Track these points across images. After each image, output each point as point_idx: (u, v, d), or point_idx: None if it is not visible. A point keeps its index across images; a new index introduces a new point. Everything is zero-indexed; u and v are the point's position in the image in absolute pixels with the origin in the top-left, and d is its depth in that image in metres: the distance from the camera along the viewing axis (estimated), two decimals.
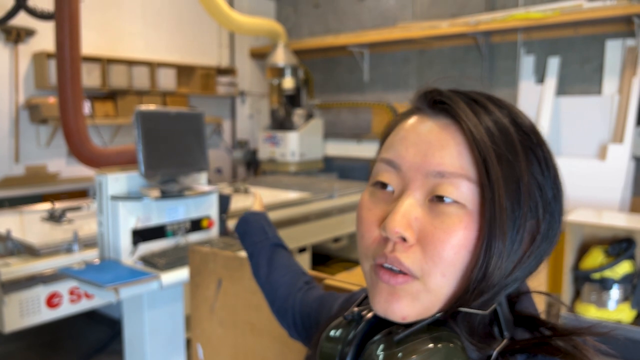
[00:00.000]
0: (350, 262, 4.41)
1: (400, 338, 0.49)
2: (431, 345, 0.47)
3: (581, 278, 3.16)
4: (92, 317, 3.49)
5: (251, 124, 6.87)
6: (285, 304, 0.89)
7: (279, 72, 5.77)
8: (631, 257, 3.03)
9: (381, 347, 0.49)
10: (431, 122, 0.54)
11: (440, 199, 0.50)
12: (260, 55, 6.65)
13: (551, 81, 4.67)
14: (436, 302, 0.51)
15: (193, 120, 2.00)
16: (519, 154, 0.51)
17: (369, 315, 0.56)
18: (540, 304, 0.58)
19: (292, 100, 5.98)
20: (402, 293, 0.51)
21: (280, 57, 5.73)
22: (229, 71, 6.39)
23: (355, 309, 0.58)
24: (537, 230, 0.51)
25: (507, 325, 0.53)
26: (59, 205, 3.24)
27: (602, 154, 4.33)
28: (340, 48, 5.94)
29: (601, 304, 3.06)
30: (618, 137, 4.24)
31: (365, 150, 5.95)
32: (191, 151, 1.98)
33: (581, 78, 4.63)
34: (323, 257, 4.39)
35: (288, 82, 5.72)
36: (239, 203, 3.45)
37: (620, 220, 3.28)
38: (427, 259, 0.50)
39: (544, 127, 4.51)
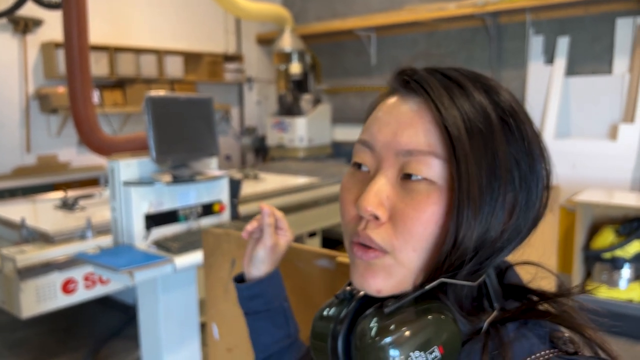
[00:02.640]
0: None
1: (391, 310, 0.50)
2: (423, 316, 0.48)
3: (592, 258, 3.16)
4: (106, 304, 3.54)
5: (259, 110, 6.87)
6: None
7: (286, 58, 5.76)
8: None
9: (372, 320, 0.50)
10: (406, 102, 0.55)
11: (409, 176, 0.52)
12: (266, 41, 6.63)
13: (561, 61, 4.62)
14: (409, 275, 0.52)
15: (202, 105, 2.01)
16: (495, 127, 0.51)
17: (361, 293, 0.57)
18: (526, 276, 0.59)
19: (300, 85, 5.97)
20: (375, 268, 0.52)
21: (287, 42, 5.71)
22: (235, 58, 6.38)
23: (347, 288, 0.59)
24: (515, 201, 0.52)
25: (496, 296, 0.54)
26: (72, 193, 3.28)
27: (612, 133, 4.30)
28: (347, 32, 5.91)
29: (612, 283, 3.07)
30: (629, 116, 4.21)
31: None
32: (201, 136, 1.99)
33: (591, 57, 4.58)
34: (333, 242, 4.42)
35: (295, 68, 5.70)
36: (248, 189, 3.46)
37: (631, 200, 3.27)
38: (398, 235, 0.51)
39: (554, 108, 4.48)
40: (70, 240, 2.45)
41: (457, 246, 0.50)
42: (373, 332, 0.48)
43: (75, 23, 2.96)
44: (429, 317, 0.48)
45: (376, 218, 0.52)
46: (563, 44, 4.67)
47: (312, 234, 3.68)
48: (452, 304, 0.52)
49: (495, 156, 0.51)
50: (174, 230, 1.97)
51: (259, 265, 0.83)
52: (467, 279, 0.51)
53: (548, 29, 4.78)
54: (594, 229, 3.27)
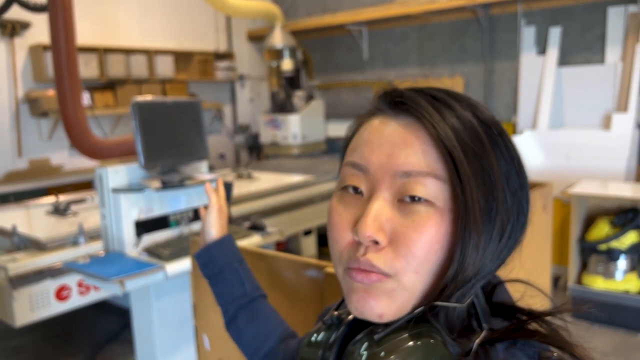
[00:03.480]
0: None
1: (381, 337, 0.49)
2: (412, 342, 0.47)
3: (587, 250, 3.16)
4: (102, 308, 3.53)
5: (252, 108, 6.84)
6: (268, 357, 0.86)
7: (277, 54, 5.72)
8: (637, 227, 3.03)
9: (362, 347, 0.49)
10: (394, 122, 0.53)
11: (408, 198, 0.50)
12: (257, 38, 6.59)
13: (553, 52, 4.61)
14: (411, 299, 0.51)
15: (190, 108, 1.99)
16: (486, 146, 0.51)
17: (349, 317, 0.56)
18: (515, 294, 0.58)
19: (292, 82, 5.93)
20: (377, 291, 0.51)
21: (278, 38, 5.67)
22: (227, 55, 6.34)
23: (335, 313, 0.58)
24: (507, 220, 0.52)
25: (484, 316, 0.53)
26: (63, 198, 3.25)
27: (606, 123, 4.29)
28: (338, 27, 5.88)
29: (608, 274, 3.07)
30: (622, 105, 4.20)
31: None
32: (190, 140, 1.97)
33: (583, 47, 4.57)
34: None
35: (287, 64, 5.67)
36: (242, 188, 3.45)
37: (626, 191, 3.26)
38: (400, 258, 0.50)
39: (547, 99, 4.47)
40: (63, 247, 2.43)
41: (465, 269, 0.49)
42: (364, 359, 0.48)
43: (62, 26, 2.92)
44: (419, 342, 0.48)
45: (376, 243, 0.50)
46: (555, 34, 4.65)
47: (307, 232, 3.66)
48: (442, 326, 0.51)
49: (490, 176, 0.50)
50: (165, 236, 1.95)
51: (210, 231, 0.94)
52: (456, 300, 0.51)
53: (540, 19, 4.77)
54: (589, 221, 3.27)
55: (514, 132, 4.71)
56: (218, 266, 0.92)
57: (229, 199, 2.34)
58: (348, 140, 0.59)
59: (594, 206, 3.27)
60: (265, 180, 3.96)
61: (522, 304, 0.56)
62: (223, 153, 6.48)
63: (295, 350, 0.81)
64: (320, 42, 6.36)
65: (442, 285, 0.50)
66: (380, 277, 0.51)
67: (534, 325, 0.52)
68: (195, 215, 2.08)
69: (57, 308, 2.36)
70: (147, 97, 1.89)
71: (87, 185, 4.82)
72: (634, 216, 3.04)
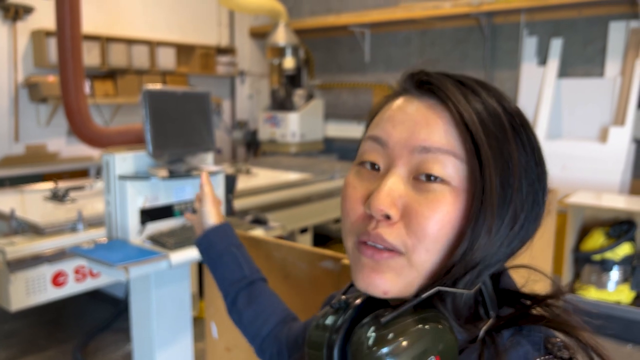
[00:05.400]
0: None
1: (387, 320, 0.49)
2: (419, 326, 0.48)
3: (582, 259, 3.19)
4: (95, 296, 3.51)
5: (251, 104, 6.84)
6: (269, 340, 0.86)
7: (280, 52, 5.73)
8: (631, 239, 3.07)
9: (369, 330, 0.49)
10: (418, 102, 0.54)
11: (423, 175, 0.51)
12: (260, 35, 6.59)
13: (553, 63, 4.65)
14: (418, 278, 0.52)
15: (199, 100, 1.99)
16: (508, 134, 0.52)
17: (357, 301, 0.57)
18: (519, 280, 0.59)
19: (293, 80, 5.94)
20: (385, 268, 0.51)
21: (281, 36, 5.68)
22: (228, 51, 6.34)
23: (343, 297, 0.58)
24: (521, 210, 0.52)
25: (492, 303, 0.54)
26: (62, 184, 3.24)
27: (603, 136, 4.34)
28: (341, 28, 5.89)
29: (601, 285, 3.10)
30: (619, 119, 4.25)
31: None
32: (198, 131, 1.97)
33: (583, 60, 4.61)
34: (324, 238, 4.42)
35: (289, 62, 5.68)
36: (241, 184, 3.45)
37: (621, 202, 3.31)
38: (411, 235, 0.50)
39: (546, 110, 4.51)
40: (61, 233, 2.42)
41: (472, 253, 0.50)
42: (370, 342, 0.48)
43: (68, 11, 2.91)
44: (426, 326, 0.48)
45: (388, 218, 0.51)
46: (556, 45, 4.70)
47: (303, 230, 3.67)
48: (449, 312, 0.51)
49: (509, 163, 0.51)
50: (169, 226, 1.95)
51: (207, 219, 0.96)
52: (464, 287, 0.51)
53: (542, 30, 4.81)
54: (584, 231, 3.30)
55: None
56: (217, 251, 0.93)
57: (232, 191, 2.34)
58: (372, 116, 0.59)
59: (590, 217, 3.31)
60: (263, 176, 3.96)
61: (526, 290, 0.56)
62: (220, 148, 6.47)
63: (299, 333, 0.81)
64: (323, 41, 6.37)
65: (448, 267, 0.51)
66: (391, 254, 0.51)
67: (539, 310, 0.53)
68: None
69: (53, 294, 2.35)
70: (157, 86, 1.89)
71: (83, 173, 4.80)
72: (629, 228, 3.08)
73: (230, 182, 2.26)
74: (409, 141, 0.52)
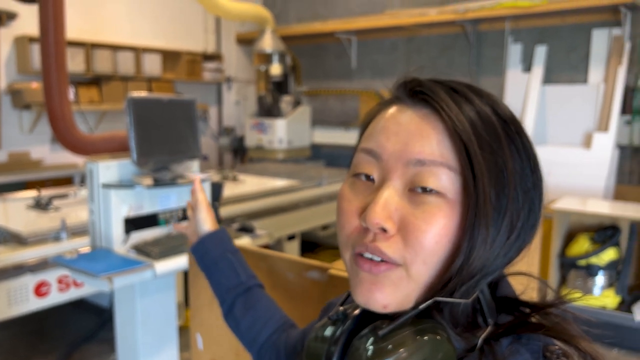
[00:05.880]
0: (338, 250, 4.42)
1: (386, 333, 0.49)
2: (417, 337, 0.48)
3: (567, 265, 3.21)
4: (79, 306, 3.46)
5: (237, 111, 6.81)
6: (266, 346, 0.86)
7: (266, 58, 5.72)
8: (616, 244, 3.09)
9: (367, 342, 0.49)
10: (411, 111, 0.54)
11: (419, 188, 0.51)
12: (246, 41, 6.58)
13: (538, 70, 4.70)
14: (416, 290, 0.51)
15: (185, 107, 1.98)
16: (502, 142, 0.51)
17: (355, 312, 0.57)
18: (518, 286, 0.58)
19: (280, 86, 5.94)
20: (384, 281, 0.51)
21: (268, 43, 5.67)
22: (215, 57, 6.32)
23: (340, 308, 0.58)
24: (517, 218, 0.51)
25: (490, 311, 0.53)
26: (45, 192, 3.19)
27: (587, 142, 4.39)
28: (327, 34, 5.91)
29: (586, 290, 3.12)
30: (603, 125, 4.30)
31: (353, 137, 5.92)
32: (183, 138, 1.96)
33: (567, 67, 4.67)
34: (311, 245, 4.40)
35: (275, 69, 5.67)
36: (227, 191, 3.42)
37: (605, 208, 3.34)
38: (409, 248, 0.50)
39: (531, 116, 4.55)
40: (44, 242, 2.38)
41: (470, 263, 0.49)
42: (368, 354, 0.48)
43: (52, 17, 2.88)
44: (424, 337, 0.48)
45: (384, 230, 0.50)
46: (541, 52, 4.75)
47: (291, 237, 3.65)
48: (447, 322, 0.51)
49: (504, 172, 0.50)
50: (153, 235, 1.93)
51: (202, 226, 0.96)
52: (461, 296, 0.51)
53: (527, 37, 4.86)
54: (569, 237, 3.33)
55: None
56: (212, 258, 0.92)
57: (218, 199, 2.32)
58: (365, 126, 0.59)
59: (575, 222, 3.33)
60: (250, 183, 3.94)
61: (525, 297, 0.56)
62: (206, 155, 6.43)
63: (298, 339, 0.81)
64: (310, 48, 6.38)
65: (446, 278, 0.50)
66: (389, 267, 0.51)
67: (538, 318, 0.52)
68: (185, 214, 2.06)
69: (36, 304, 2.31)
70: (142, 94, 1.87)
71: (67, 180, 4.74)
72: (613, 234, 3.10)
73: (217, 189, 2.24)
74: (403, 154, 0.52)
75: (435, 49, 5.44)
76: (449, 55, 5.34)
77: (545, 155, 4.30)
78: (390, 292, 0.51)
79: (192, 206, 1.00)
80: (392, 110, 0.55)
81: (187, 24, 6.09)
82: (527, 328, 0.51)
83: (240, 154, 6.39)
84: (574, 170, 4.20)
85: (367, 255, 0.51)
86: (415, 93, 0.54)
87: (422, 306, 0.50)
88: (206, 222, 0.96)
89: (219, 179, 3.85)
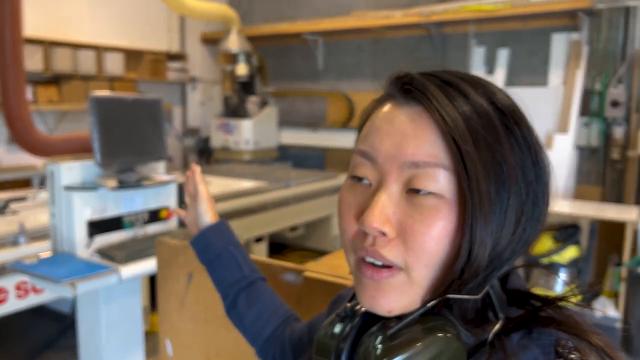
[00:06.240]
0: (307, 251, 4.41)
1: (394, 332, 0.48)
2: (426, 335, 0.47)
3: (531, 262, 3.29)
4: (39, 312, 3.34)
5: (202, 111, 6.72)
6: (271, 340, 0.86)
7: (232, 59, 5.66)
8: (577, 243, 3.18)
9: (376, 341, 0.49)
10: (404, 110, 0.52)
11: (416, 190, 0.50)
12: (211, 41, 6.50)
13: (501, 72, 4.80)
14: (421, 292, 0.51)
15: (150, 107, 1.93)
16: (500, 135, 0.50)
17: (363, 309, 0.56)
18: None
19: (246, 87, 5.89)
20: (387, 287, 0.51)
21: (234, 43, 5.62)
22: (179, 56, 6.22)
23: (348, 304, 0.58)
24: (521, 212, 0.50)
25: (500, 305, 0.53)
26: (2, 195, 3.07)
27: (548, 143, 4.50)
28: (294, 35, 5.89)
29: (549, 287, 3.20)
30: (563, 127, 4.42)
31: (321, 138, 5.94)
32: (149, 139, 1.91)
33: (529, 70, 4.79)
34: (279, 246, 4.38)
35: (241, 69, 5.62)
36: None
37: (566, 207, 3.43)
38: (409, 252, 0.49)
39: None
40: (1, 247, 2.29)
41: (472, 263, 0.49)
42: (377, 353, 0.47)
43: (9, 14, 2.77)
44: (433, 335, 0.47)
45: (383, 234, 0.50)
46: (503, 55, 4.86)
47: (258, 239, 3.62)
48: (456, 318, 0.50)
49: (503, 165, 0.49)
50: (118, 238, 1.87)
51: (203, 218, 0.93)
52: (470, 292, 0.50)
53: (490, 40, 4.96)
54: None
55: None
56: (215, 251, 0.91)
57: (183, 201, 2.27)
58: (362, 124, 0.58)
59: None
60: (216, 184, 3.89)
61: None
62: (171, 156, 6.32)
63: (303, 332, 0.81)
64: (276, 49, 6.35)
65: (450, 279, 0.50)
66: (391, 272, 0.50)
67: (549, 312, 0.51)
68: (151, 217, 2.01)
69: None
70: (106, 93, 1.82)
71: (25, 183, 4.57)
72: (574, 232, 3.19)
73: (183, 191, 2.19)
74: (397, 156, 0.51)
75: (400, 51, 5.50)
76: (414, 57, 5.41)
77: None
78: (394, 298, 0.51)
79: (192, 196, 0.97)
80: (386, 108, 0.54)
81: (150, 22, 5.98)
82: (538, 322, 0.50)
83: (205, 155, 6.30)
84: None
85: (369, 259, 0.51)
86: (407, 90, 0.53)
87: (430, 304, 0.49)
88: (207, 214, 0.94)
89: (184, 180, 3.79)
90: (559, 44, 4.63)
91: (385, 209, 0.50)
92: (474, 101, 0.51)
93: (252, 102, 5.75)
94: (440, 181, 0.49)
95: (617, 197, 4.34)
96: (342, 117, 5.90)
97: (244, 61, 5.63)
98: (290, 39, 6.08)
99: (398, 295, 0.51)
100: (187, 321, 1.13)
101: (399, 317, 0.50)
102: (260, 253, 3.67)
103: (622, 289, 3.04)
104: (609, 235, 3.39)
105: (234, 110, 5.73)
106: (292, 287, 0.95)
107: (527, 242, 0.53)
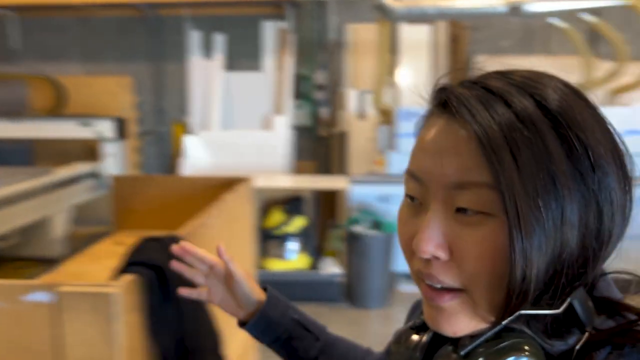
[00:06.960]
0: (23, 261, 3.82)
1: (467, 352, 0.47)
2: (500, 356, 0.46)
3: (265, 236, 3.53)
4: None
5: None
6: None
7: None
8: (302, 213, 3.54)
9: None
10: (443, 126, 0.50)
11: (464, 210, 0.48)
12: None
13: (219, 57, 4.93)
14: (488, 312, 0.49)
15: None
16: (548, 142, 0.45)
17: None
18: None
19: None
20: (449, 311, 0.50)
21: None
22: None
23: (422, 316, 0.57)
24: (587, 216, 0.47)
25: (587, 316, 0.48)
26: None
27: (267, 124, 4.85)
28: None
29: (282, 256, 3.49)
30: (279, 109, 4.81)
31: (24, 129, 5.14)
32: None
33: (246, 55, 5.02)
34: None
35: None
36: None
37: (289, 182, 3.78)
38: (466, 274, 0.48)
39: (216, 102, 4.76)
40: None
41: (526, 278, 0.45)
42: None
43: None
44: (507, 355, 0.45)
45: (436, 258, 0.49)
46: (220, 40, 4.98)
47: None
48: (537, 332, 0.47)
49: (551, 172, 0.45)
50: None
51: (249, 299, 0.82)
52: (549, 305, 0.47)
53: (206, 25, 5.02)
54: (266, 210, 3.65)
55: (186, 132, 4.86)
56: (278, 327, 0.82)
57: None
58: (416, 138, 0.56)
59: (268, 197, 3.67)
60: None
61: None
62: None
63: (380, 353, 0.82)
64: None
65: (510, 295, 0.47)
66: (451, 296, 0.50)
67: None
68: None
69: None
70: None
71: None
72: (299, 203, 3.54)
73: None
74: (441, 177, 0.49)
75: (113, 33, 5.13)
76: (129, 39, 5.12)
77: (232, 138, 4.61)
78: (458, 321, 0.50)
79: (226, 280, 0.83)
80: (430, 123, 0.53)
81: None
82: (631, 337, 0.46)
83: None
84: (260, 150, 4.60)
85: (428, 282, 0.51)
86: (445, 103, 0.51)
87: (504, 322, 0.46)
88: (254, 291, 0.83)
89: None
90: (269, 31, 4.97)
91: (433, 234, 0.49)
92: (518, 106, 0.47)
93: None
94: (486, 199, 0.46)
95: (327, 169, 4.96)
96: (49, 103, 5.23)
97: None
98: None
99: (462, 318, 0.50)
100: None
101: (472, 336, 0.48)
102: None
103: (342, 247, 3.51)
104: (326, 202, 3.87)
105: None
106: (44, 309, 0.81)
107: (604, 245, 0.49)
